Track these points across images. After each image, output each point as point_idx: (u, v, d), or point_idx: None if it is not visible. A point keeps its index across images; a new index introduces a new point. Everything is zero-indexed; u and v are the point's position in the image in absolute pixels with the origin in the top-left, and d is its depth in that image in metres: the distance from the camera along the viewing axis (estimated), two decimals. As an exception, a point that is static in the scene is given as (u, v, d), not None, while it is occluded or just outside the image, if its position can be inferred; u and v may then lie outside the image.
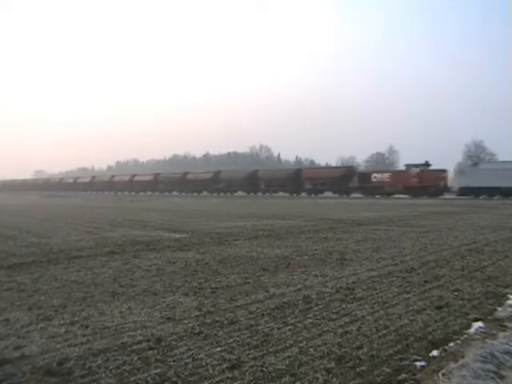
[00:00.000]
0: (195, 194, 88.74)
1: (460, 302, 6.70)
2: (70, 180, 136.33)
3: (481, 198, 53.64)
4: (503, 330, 5.43)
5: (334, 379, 4.13)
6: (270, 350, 4.83)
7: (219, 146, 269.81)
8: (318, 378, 4.14)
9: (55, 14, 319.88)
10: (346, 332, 5.37)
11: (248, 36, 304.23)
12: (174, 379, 4.15)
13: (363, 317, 5.98)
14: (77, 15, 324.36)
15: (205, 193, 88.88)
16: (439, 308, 6.37)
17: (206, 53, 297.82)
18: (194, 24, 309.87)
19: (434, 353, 4.75)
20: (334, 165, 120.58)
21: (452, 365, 4.41)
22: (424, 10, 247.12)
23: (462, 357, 4.60)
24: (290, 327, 5.57)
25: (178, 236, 15.30)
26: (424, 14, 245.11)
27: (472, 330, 5.46)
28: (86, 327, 5.62)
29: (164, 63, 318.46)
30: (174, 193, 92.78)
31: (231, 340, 5.12)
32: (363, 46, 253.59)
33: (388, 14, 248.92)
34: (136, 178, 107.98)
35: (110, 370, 4.35)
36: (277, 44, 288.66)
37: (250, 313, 6.21)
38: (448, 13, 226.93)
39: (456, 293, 7.21)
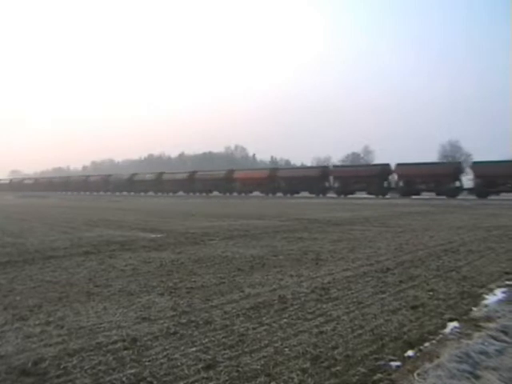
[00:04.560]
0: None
1: (435, 301, 6.73)
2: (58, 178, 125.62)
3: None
4: (478, 330, 5.45)
5: (310, 379, 4.13)
6: (246, 350, 4.82)
7: (195, 146, 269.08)
8: (293, 378, 4.14)
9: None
10: (322, 332, 5.37)
11: (226, 39, 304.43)
12: (149, 379, 4.13)
13: (338, 317, 5.98)
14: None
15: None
16: (414, 308, 6.39)
17: (183, 55, 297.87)
18: (169, 26, 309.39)
19: (410, 353, 4.76)
20: (309, 165, 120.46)
21: (427, 365, 4.42)
22: (406, 15, 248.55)
23: (438, 357, 4.61)
24: (265, 327, 5.56)
25: (153, 236, 15.25)
26: (407, 18, 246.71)
27: (447, 330, 5.47)
28: (62, 327, 5.57)
29: (139, 63, 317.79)
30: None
31: (206, 340, 5.10)
32: (343, 49, 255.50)
33: (371, 18, 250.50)
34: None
35: (86, 369, 4.32)
36: (253, 47, 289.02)
37: (226, 313, 6.19)
38: (431, 15, 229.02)
39: (431, 293, 7.24)
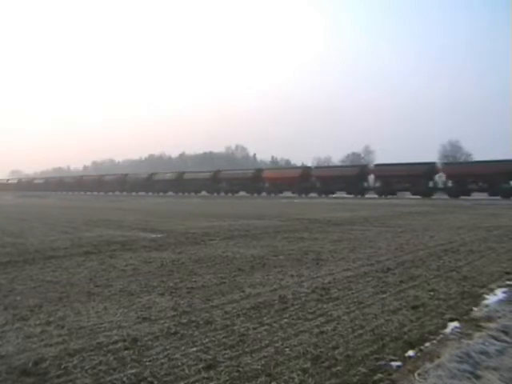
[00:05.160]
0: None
1: (436, 302, 6.73)
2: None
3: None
4: (479, 330, 5.45)
5: (310, 379, 4.13)
6: (246, 350, 4.82)
7: (195, 146, 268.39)
8: (293, 378, 4.14)
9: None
10: (322, 332, 5.36)
11: (226, 39, 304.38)
12: (149, 379, 4.13)
13: (339, 317, 5.98)
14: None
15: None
16: (415, 308, 6.39)
17: (184, 55, 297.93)
18: (172, 26, 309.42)
19: (410, 353, 4.76)
20: (309, 164, 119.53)
21: (428, 365, 4.42)
22: (406, 15, 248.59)
23: (438, 357, 4.61)
24: (265, 327, 5.56)
25: (154, 236, 15.25)
26: (407, 18, 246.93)
27: (448, 330, 5.47)
28: (62, 327, 5.57)
29: (140, 64, 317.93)
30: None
31: (207, 340, 5.10)
32: (343, 49, 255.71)
33: (372, 18, 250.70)
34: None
35: (86, 369, 4.32)
36: (255, 46, 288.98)
37: (226, 313, 6.19)
38: (431, 15, 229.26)
39: (432, 293, 7.24)
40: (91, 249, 12.19)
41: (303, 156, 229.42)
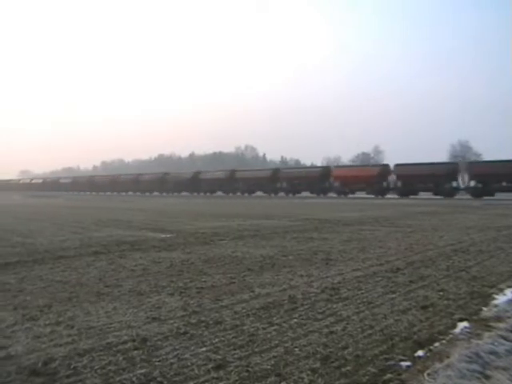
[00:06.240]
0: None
1: (445, 301, 6.71)
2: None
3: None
4: (488, 330, 5.43)
5: (320, 379, 4.12)
6: (256, 350, 4.82)
7: (205, 147, 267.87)
8: (303, 378, 4.13)
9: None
10: (332, 332, 5.36)
11: (234, 38, 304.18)
12: (159, 379, 4.13)
13: (348, 317, 5.97)
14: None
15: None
16: (424, 308, 6.38)
17: (193, 54, 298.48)
18: (179, 25, 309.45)
19: (420, 353, 4.74)
20: (319, 164, 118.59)
21: (437, 365, 4.41)
22: (415, 15, 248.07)
23: (448, 357, 4.60)
24: (275, 327, 5.55)
25: (163, 236, 15.25)
26: (415, 18, 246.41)
27: (457, 330, 5.45)
28: (72, 327, 5.58)
29: (148, 63, 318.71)
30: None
31: (216, 340, 5.10)
32: (355, 49, 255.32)
33: (382, 19, 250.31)
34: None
35: (96, 370, 4.32)
36: (265, 45, 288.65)
37: (236, 313, 6.19)
38: (440, 16, 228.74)
39: (441, 293, 7.22)
40: (101, 249, 12.23)
41: (313, 156, 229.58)
